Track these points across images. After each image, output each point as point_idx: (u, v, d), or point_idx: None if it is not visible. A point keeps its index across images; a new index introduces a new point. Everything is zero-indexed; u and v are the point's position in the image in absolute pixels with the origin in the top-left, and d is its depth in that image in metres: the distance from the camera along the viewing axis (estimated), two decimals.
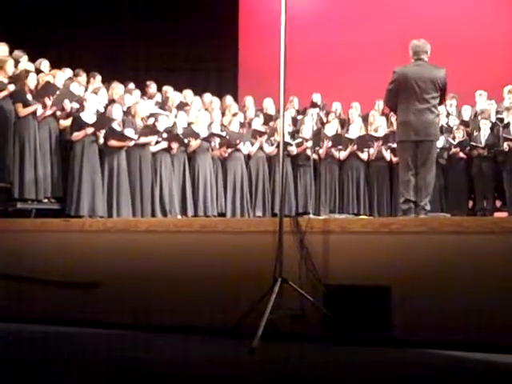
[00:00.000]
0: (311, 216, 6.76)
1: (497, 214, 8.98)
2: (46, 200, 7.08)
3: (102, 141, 7.36)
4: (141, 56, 12.76)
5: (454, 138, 9.51)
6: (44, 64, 8.13)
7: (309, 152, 9.34)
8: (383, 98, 6.24)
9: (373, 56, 11.52)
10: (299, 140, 9.35)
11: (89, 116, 7.38)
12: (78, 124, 7.26)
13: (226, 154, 8.84)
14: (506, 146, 9.00)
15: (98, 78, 9.05)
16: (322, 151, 9.48)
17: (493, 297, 3.66)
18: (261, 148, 9.19)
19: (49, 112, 7.14)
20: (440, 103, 6.23)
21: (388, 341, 3.76)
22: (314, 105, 10.58)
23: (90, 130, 7.22)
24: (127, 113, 8.12)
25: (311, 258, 4.06)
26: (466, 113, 10.08)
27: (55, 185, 7.14)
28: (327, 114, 10.43)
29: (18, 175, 6.81)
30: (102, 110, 7.87)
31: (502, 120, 9.43)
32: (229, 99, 10.26)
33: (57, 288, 4.60)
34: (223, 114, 9.72)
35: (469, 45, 11.59)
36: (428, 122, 5.87)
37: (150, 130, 7.94)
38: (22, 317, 4.56)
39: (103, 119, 7.49)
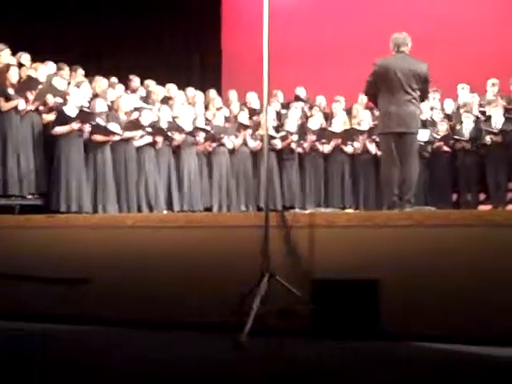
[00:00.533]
0: (297, 210, 6.78)
1: (481, 207, 9.05)
2: (29, 196, 7.03)
3: (86, 135, 7.32)
4: (123, 50, 12.67)
5: (437, 132, 9.56)
6: (24, 57, 8.04)
7: (293, 146, 9.35)
8: (363, 89, 6.26)
9: (357, 49, 11.53)
10: (283, 133, 9.35)
11: (72, 110, 7.33)
12: (62, 118, 7.21)
13: (211, 148, 8.82)
14: (488, 139, 9.07)
15: (80, 71, 8.98)
16: (306, 145, 9.50)
17: (478, 289, 3.69)
18: (245, 143, 9.17)
19: (31, 107, 7.07)
20: (422, 99, 6.26)
21: (377, 334, 3.77)
22: (297, 98, 10.60)
23: (77, 126, 7.17)
24: (110, 107, 8.09)
25: (298, 252, 4.06)
26: (449, 106, 10.14)
27: (39, 180, 7.08)
28: (311, 108, 10.45)
29: (0, 171, 6.75)
30: (87, 105, 7.82)
31: (484, 113, 9.50)
32: (212, 93, 10.24)
33: (43, 284, 4.57)
34: (207, 108, 9.69)
35: (451, 38, 11.64)
36: (410, 114, 5.89)
37: (134, 124, 7.92)
38: (7, 314, 4.53)
39: (87, 113, 7.44)
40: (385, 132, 6.03)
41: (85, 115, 7.34)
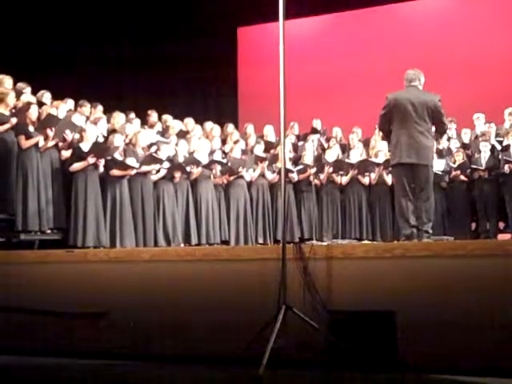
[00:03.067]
0: (314, 242, 6.75)
1: (500, 236, 8.96)
2: (49, 231, 7.08)
3: (101, 170, 7.39)
4: (141, 85, 12.84)
5: (454, 162, 9.53)
6: (46, 96, 8.20)
7: (311, 178, 9.35)
8: (377, 124, 6.31)
9: (374, 81, 11.59)
10: (301, 167, 9.35)
11: (88, 146, 7.39)
12: (78, 155, 7.28)
13: (226, 181, 8.83)
14: (506, 168, 9.01)
15: (100, 108, 9.11)
16: (323, 177, 9.49)
17: (498, 321, 3.63)
18: (262, 175, 9.20)
19: (51, 143, 7.17)
20: (441, 132, 6.27)
21: (395, 366, 3.72)
22: (314, 131, 10.61)
23: (92, 160, 7.24)
24: (128, 142, 8.16)
25: (315, 285, 4.04)
26: (466, 136, 10.12)
27: (58, 215, 7.13)
28: (328, 140, 10.46)
29: (21, 207, 6.81)
30: (102, 140, 7.89)
31: (501, 142, 9.46)
32: (230, 127, 10.29)
33: (61, 319, 4.58)
34: (224, 142, 9.74)
35: (467, 69, 11.67)
36: (421, 145, 5.87)
37: (153, 158, 7.97)
38: (24, 349, 4.53)
39: (102, 148, 7.51)
40: (395, 163, 6.02)
41: (99, 149, 7.39)
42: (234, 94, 13.70)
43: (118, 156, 7.63)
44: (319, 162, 9.47)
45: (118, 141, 7.79)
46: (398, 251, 4.07)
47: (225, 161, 8.88)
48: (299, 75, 11.17)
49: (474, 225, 9.52)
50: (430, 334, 3.75)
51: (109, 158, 7.47)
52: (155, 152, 8.14)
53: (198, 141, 9.04)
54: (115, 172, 7.52)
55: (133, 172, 7.63)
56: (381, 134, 9.86)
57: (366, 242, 8.59)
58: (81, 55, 11.97)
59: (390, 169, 8.93)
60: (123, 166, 7.58)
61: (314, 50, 12.97)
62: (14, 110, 7.21)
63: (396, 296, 3.90)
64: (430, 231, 5.93)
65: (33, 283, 4.80)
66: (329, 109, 11.70)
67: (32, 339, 4.60)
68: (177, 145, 8.75)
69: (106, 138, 7.96)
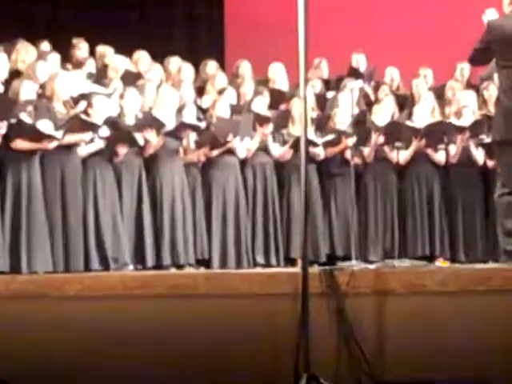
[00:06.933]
0: (354, 264, 6.77)
1: None
2: None
3: None
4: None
5: None
6: None
7: (347, 154, 9.35)
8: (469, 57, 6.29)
9: None
10: (331, 137, 9.38)
11: None
12: None
13: (204, 159, 8.84)
14: None
15: None
16: (368, 151, 9.50)
17: None
18: (265, 148, 9.20)
19: None
20: None
21: None
22: (354, 73, 10.62)
23: None
24: (41, 93, 8.15)
25: (356, 340, 4.07)
26: None
27: None
28: (377, 88, 10.47)
29: None
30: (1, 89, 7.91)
31: None
32: (211, 66, 10.31)
33: None
34: (202, 91, 9.76)
35: None
36: None
37: (81, 122, 7.96)
38: None
39: (3, 104, 7.51)
40: (507, 139, 6.02)
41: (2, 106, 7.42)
42: (217, 11, 13.70)
43: (25, 118, 7.63)
44: (362, 126, 9.49)
45: (26, 91, 7.80)
46: (496, 282, 4.11)
47: (203, 124, 8.89)
48: None
49: None
50: None
51: (12, 120, 7.47)
52: (85, 111, 8.14)
53: (158, 90, 9.04)
54: (20, 144, 7.53)
55: (51, 145, 7.64)
56: (465, 74, 10.01)
57: (440, 262, 8.62)
58: None
59: (484, 137, 9.02)
60: (35, 134, 7.59)
61: None
62: None
63: (490, 356, 3.94)
64: None
65: None
66: (378, 36, 11.71)
67: None
68: (122, 97, 8.74)
69: (6, 87, 7.97)
